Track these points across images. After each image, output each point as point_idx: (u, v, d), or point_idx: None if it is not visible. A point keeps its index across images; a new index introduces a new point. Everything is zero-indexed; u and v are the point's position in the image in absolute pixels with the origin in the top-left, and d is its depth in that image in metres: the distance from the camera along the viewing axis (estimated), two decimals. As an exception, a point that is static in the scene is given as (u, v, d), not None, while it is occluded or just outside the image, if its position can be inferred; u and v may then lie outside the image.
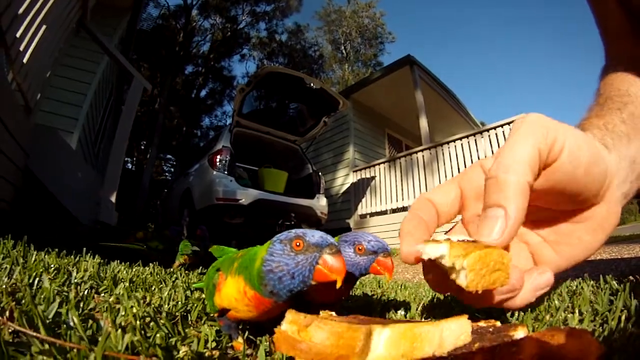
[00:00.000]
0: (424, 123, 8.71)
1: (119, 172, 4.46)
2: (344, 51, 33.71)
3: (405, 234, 0.57)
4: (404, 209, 8.15)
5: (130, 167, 23.24)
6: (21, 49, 2.96)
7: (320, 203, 7.03)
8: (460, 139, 7.29)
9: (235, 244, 6.77)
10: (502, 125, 6.68)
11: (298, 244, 0.66)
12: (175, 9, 22.57)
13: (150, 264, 2.11)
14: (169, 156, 27.40)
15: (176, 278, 1.78)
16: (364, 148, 10.74)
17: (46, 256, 1.70)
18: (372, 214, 8.69)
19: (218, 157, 6.18)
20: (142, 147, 21.60)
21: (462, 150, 7.18)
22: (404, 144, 12.65)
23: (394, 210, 8.30)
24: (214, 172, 6.07)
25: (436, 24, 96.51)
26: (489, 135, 6.83)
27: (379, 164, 8.74)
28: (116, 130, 4.68)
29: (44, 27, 3.24)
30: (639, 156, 0.55)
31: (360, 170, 9.17)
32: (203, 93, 26.42)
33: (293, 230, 0.69)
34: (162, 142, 19.86)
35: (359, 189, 9.06)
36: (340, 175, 10.49)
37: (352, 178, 9.39)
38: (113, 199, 4.35)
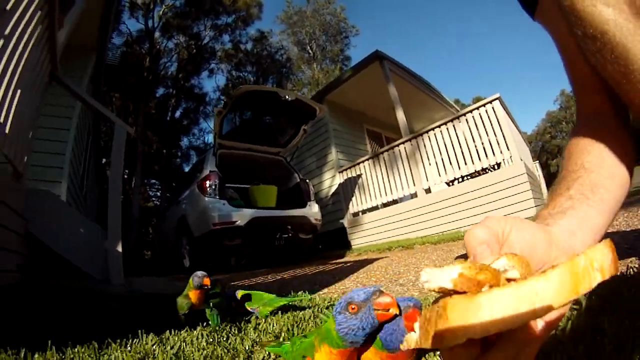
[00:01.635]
0: (401, 115, 8.88)
1: (120, 222, 4.39)
2: (310, 51, 33.83)
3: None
4: (394, 201, 8.30)
5: (116, 199, 22.79)
6: (1, 121, 2.96)
7: (312, 210, 7.18)
8: (439, 126, 7.44)
9: (234, 260, 6.95)
10: (477, 108, 6.87)
11: (353, 307, 0.78)
12: (138, 35, 22.48)
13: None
14: (153, 181, 27.34)
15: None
16: (346, 147, 10.84)
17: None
18: (364, 211, 8.81)
19: (207, 182, 6.30)
20: (126, 177, 21.52)
21: (442, 136, 7.33)
22: (384, 136, 12.80)
23: (385, 205, 8.41)
24: (206, 198, 6.20)
25: (398, 10, 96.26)
26: (466, 120, 7.01)
27: (362, 161, 8.85)
28: (109, 180, 4.68)
29: (19, 92, 3.25)
30: (578, 229, 0.61)
31: (346, 170, 9.27)
32: (177, 114, 26.35)
33: (342, 298, 0.81)
34: (144, 168, 19.82)
35: (348, 189, 9.16)
36: (326, 177, 10.59)
37: (339, 179, 9.48)
38: (119, 248, 4.29)
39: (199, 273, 1.80)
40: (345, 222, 9.09)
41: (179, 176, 22.58)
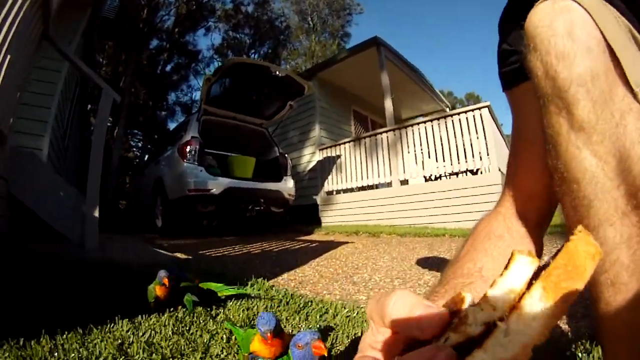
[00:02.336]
0: (388, 104, 8.99)
1: (98, 188, 4.52)
2: (310, 22, 33.30)
3: None
4: (370, 187, 8.45)
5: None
6: None
7: (287, 185, 7.33)
8: (424, 122, 7.58)
9: (205, 223, 7.13)
10: (465, 112, 7.00)
11: (299, 345, 1.06)
12: (139, -16, 21.87)
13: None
14: (136, 131, 27.13)
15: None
16: (329, 126, 10.86)
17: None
18: (338, 191, 8.97)
19: (188, 147, 6.40)
20: (109, 126, 21.34)
21: (426, 133, 7.47)
22: (370, 119, 12.85)
23: (360, 188, 8.55)
24: (185, 164, 6.31)
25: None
26: (452, 121, 7.12)
27: (344, 142, 8.97)
28: (91, 146, 4.69)
29: (8, 57, 3.26)
30: None
31: (327, 148, 9.39)
32: (168, 68, 26.03)
33: (295, 338, 1.08)
34: (128, 118, 19.67)
35: (326, 167, 9.30)
36: (306, 153, 10.65)
37: (319, 156, 9.61)
38: (96, 214, 4.40)
39: (162, 273, 1.95)
40: (319, 199, 9.22)
41: (162, 131, 22.45)
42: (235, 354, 1.47)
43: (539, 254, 0.76)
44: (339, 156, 9.04)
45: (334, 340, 1.65)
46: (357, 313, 2.03)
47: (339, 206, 8.70)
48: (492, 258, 0.68)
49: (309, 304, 2.19)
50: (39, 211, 4.39)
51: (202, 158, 6.47)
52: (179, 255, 4.57)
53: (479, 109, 6.81)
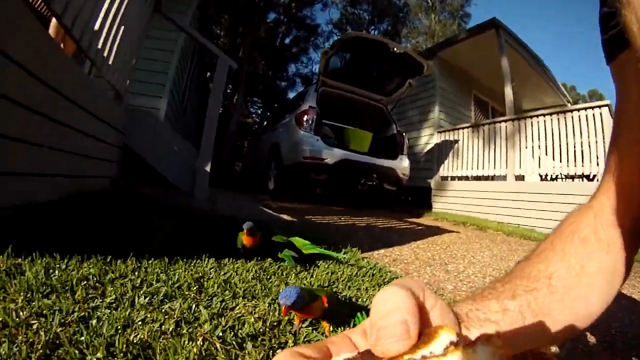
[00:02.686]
0: (508, 92, 8.40)
1: (212, 146, 4.83)
2: (429, 1, 32.29)
3: None
4: (485, 177, 8.02)
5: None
6: (105, 55, 3.36)
7: (402, 164, 7.12)
8: (543, 115, 6.95)
9: (319, 192, 7.13)
10: (585, 109, 6.29)
11: None
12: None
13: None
14: (255, 99, 28.00)
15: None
16: (449, 109, 10.42)
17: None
18: (453, 178, 8.62)
19: (305, 116, 6.44)
20: (229, 92, 22.09)
21: (545, 127, 6.85)
22: (490, 106, 12.20)
23: (475, 178, 8.17)
24: (301, 132, 6.37)
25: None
26: (572, 117, 6.43)
27: (463, 127, 8.56)
28: (207, 107, 5.03)
29: (122, 28, 3.62)
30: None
31: (445, 132, 9.03)
32: (287, 41, 26.30)
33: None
34: (248, 87, 20.16)
35: (443, 151, 8.98)
36: (424, 134, 10.28)
37: (437, 139, 9.27)
38: (208, 168, 4.73)
39: (245, 225, 2.06)
40: (433, 183, 8.93)
41: (282, 100, 22.92)
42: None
43: (627, 270, 0.60)
44: (456, 141, 8.65)
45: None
46: None
47: (452, 193, 8.34)
48: (567, 266, 0.56)
49: (394, 280, 2.05)
50: (151, 161, 4.77)
51: (318, 127, 6.47)
52: (284, 216, 4.65)
53: (599, 107, 6.05)
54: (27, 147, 2.20)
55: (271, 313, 1.41)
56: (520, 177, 7.39)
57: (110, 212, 2.79)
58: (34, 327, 1.08)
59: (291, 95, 26.30)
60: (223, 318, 1.31)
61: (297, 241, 2.25)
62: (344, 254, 2.50)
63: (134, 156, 4.75)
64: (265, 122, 14.70)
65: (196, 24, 9.15)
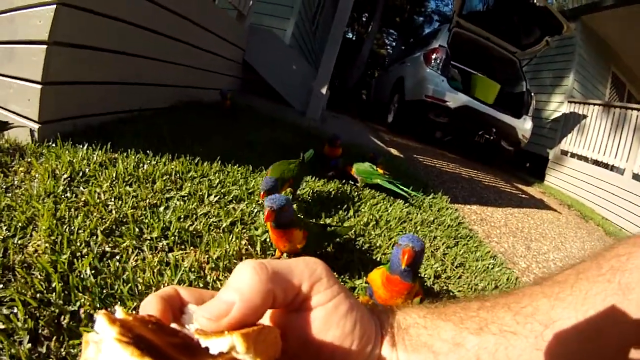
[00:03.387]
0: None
1: (332, 67, 4.86)
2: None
3: None
4: (604, 164, 7.33)
5: (350, 36, 23.71)
6: None
7: (524, 125, 6.76)
8: None
9: (440, 135, 7.00)
10: None
11: (398, 243, 1.09)
12: None
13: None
14: (391, 31, 27.52)
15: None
16: (584, 79, 9.43)
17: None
18: (573, 155, 8.03)
19: (433, 55, 6.31)
20: (364, 20, 21.88)
21: None
22: (627, 90, 10.98)
23: (594, 162, 7.50)
24: (427, 69, 6.25)
25: None
26: None
27: (595, 104, 7.86)
28: (331, 26, 5.04)
29: None
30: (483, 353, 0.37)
31: (576, 103, 8.36)
32: None
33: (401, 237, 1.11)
34: (384, 18, 19.71)
35: (569, 123, 8.35)
36: (554, 100, 9.46)
37: (566, 108, 8.62)
38: (324, 91, 4.82)
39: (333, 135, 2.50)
40: (551, 154, 8.41)
41: (417, 35, 22.53)
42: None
43: None
44: (585, 116, 7.98)
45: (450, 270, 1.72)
46: (494, 268, 1.96)
47: (567, 170, 7.85)
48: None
49: (467, 238, 2.17)
50: (267, 77, 5.04)
51: (445, 68, 6.28)
52: (392, 150, 4.71)
53: None
54: (152, 62, 2.66)
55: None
56: (637, 176, 6.68)
57: (217, 120, 3.06)
58: (109, 207, 1.31)
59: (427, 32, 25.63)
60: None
61: (363, 167, 2.34)
62: (429, 198, 2.51)
63: (252, 71, 5.06)
64: (395, 56, 14.62)
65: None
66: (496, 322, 0.38)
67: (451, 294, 1.57)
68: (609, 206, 6.58)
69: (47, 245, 1.05)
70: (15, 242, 1.06)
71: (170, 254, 1.16)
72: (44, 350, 0.83)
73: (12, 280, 0.96)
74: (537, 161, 8.89)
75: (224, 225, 1.35)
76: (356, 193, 2.15)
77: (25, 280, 0.96)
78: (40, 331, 0.87)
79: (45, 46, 1.76)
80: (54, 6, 1.73)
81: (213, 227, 1.33)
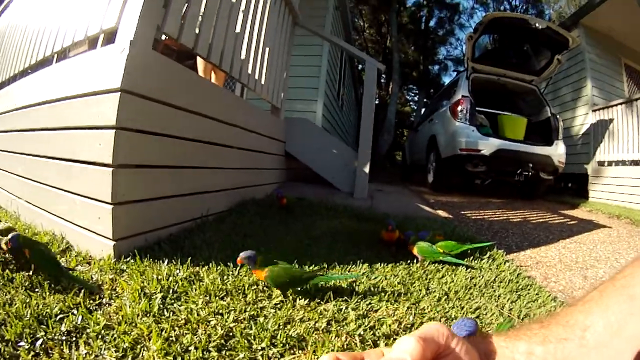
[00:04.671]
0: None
1: (370, 147, 5.11)
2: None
3: None
4: (640, 162, 7.31)
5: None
6: (256, 77, 3.84)
7: (558, 151, 6.92)
8: None
9: (479, 183, 7.29)
10: None
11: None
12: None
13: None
14: (411, 86, 28.18)
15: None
16: (601, 83, 9.45)
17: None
18: (610, 163, 8.05)
19: (459, 107, 6.60)
20: (383, 82, 22.48)
21: None
22: (645, 77, 10.79)
23: (633, 162, 7.46)
24: (457, 123, 6.54)
25: None
26: None
27: (616, 104, 7.96)
28: (361, 111, 5.31)
29: (267, 49, 4.06)
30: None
31: (600, 110, 8.46)
32: (432, 23, 25.90)
33: (456, 323, 1.12)
34: (401, 75, 20.20)
35: (598, 132, 8.41)
36: (579, 114, 9.55)
37: (592, 118, 8.72)
38: (367, 170, 5.04)
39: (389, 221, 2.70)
40: (590, 169, 8.46)
41: (436, 84, 22.77)
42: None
43: None
44: (611, 120, 8.07)
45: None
46: (556, 309, 1.92)
47: (608, 180, 7.85)
48: (606, 322, 0.54)
49: (528, 287, 2.25)
50: (311, 164, 5.29)
51: (473, 117, 6.57)
52: (440, 212, 4.89)
53: None
54: (209, 170, 2.91)
55: (407, 316, 1.60)
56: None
57: (277, 217, 3.25)
58: (212, 323, 1.36)
59: (445, 79, 26.07)
60: (366, 319, 1.52)
61: (437, 248, 2.49)
62: (487, 260, 2.66)
63: (296, 162, 5.35)
64: (423, 110, 14.87)
65: (339, 19, 9.63)
66: (553, 334, 0.54)
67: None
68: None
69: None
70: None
71: (283, 360, 1.28)
72: None
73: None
74: (578, 180, 8.93)
75: (322, 327, 1.44)
76: (422, 270, 2.28)
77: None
78: None
79: (110, 169, 1.88)
80: (113, 131, 1.86)
81: (312, 329, 1.41)
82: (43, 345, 1.13)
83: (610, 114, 8.13)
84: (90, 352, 1.12)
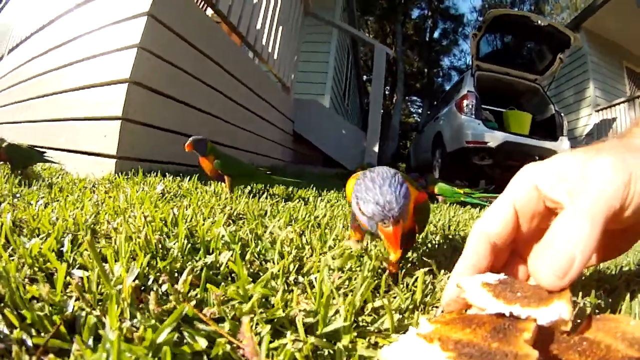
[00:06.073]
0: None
1: (379, 127, 5.28)
2: (570, -28, 29.99)
3: (455, 274, 0.55)
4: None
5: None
6: (269, 50, 4.07)
7: (563, 146, 6.86)
8: None
9: (484, 183, 7.27)
10: None
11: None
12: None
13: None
14: (414, 98, 28.46)
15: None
16: (603, 84, 9.63)
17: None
18: (614, 162, 8.08)
19: (465, 101, 6.62)
20: (387, 93, 22.64)
21: None
22: (646, 80, 10.94)
23: None
24: (462, 117, 6.56)
25: None
26: None
27: (618, 103, 8.10)
28: (370, 94, 5.57)
29: (280, 27, 4.29)
30: None
31: (602, 110, 8.62)
32: (436, 34, 26.23)
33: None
34: (405, 86, 20.45)
35: (602, 132, 8.51)
36: (583, 115, 9.72)
37: (595, 118, 8.85)
38: (376, 148, 5.23)
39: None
40: None
41: (440, 95, 23.04)
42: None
43: None
44: (614, 119, 8.20)
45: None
46: None
47: None
48: None
49: None
50: (320, 145, 5.42)
51: (478, 112, 6.60)
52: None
53: None
54: (218, 121, 3.16)
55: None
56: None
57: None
58: (223, 205, 1.50)
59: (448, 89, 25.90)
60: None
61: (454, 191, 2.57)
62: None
63: (304, 141, 5.47)
64: (427, 117, 15.10)
65: (346, 20, 9.73)
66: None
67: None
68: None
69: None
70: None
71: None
72: None
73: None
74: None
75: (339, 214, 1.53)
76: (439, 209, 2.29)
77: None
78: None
79: (119, 120, 2.10)
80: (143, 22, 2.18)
81: (330, 216, 1.47)
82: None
83: (613, 113, 8.29)
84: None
